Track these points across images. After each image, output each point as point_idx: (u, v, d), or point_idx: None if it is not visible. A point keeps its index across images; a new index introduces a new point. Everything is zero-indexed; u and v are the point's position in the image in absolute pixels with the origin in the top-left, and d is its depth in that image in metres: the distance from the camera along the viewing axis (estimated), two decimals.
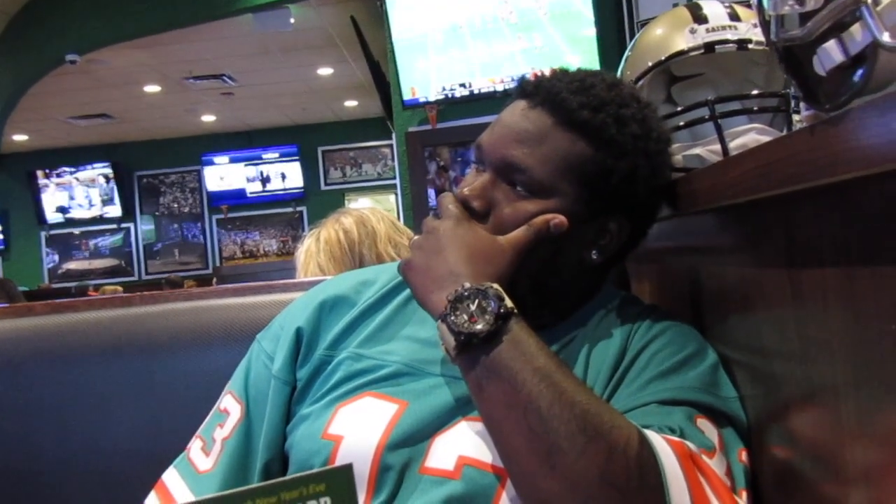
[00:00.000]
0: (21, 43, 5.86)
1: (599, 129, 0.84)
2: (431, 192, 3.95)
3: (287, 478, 0.50)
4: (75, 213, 9.44)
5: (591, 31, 3.67)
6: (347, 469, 0.51)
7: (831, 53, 0.53)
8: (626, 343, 0.86)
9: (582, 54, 3.57)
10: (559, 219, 0.83)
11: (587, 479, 0.67)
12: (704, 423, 0.78)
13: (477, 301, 0.75)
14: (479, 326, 0.74)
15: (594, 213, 0.86)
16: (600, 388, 0.82)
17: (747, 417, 0.83)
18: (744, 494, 0.75)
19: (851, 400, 0.62)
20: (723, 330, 0.91)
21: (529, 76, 0.91)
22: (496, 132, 0.88)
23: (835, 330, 0.63)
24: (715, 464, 0.73)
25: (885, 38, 0.47)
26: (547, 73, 0.91)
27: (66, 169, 9.34)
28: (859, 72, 0.51)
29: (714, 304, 0.95)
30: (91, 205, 9.42)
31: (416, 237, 0.85)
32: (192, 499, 0.87)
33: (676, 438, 0.72)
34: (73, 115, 8.05)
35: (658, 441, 0.69)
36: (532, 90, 0.88)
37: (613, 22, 3.74)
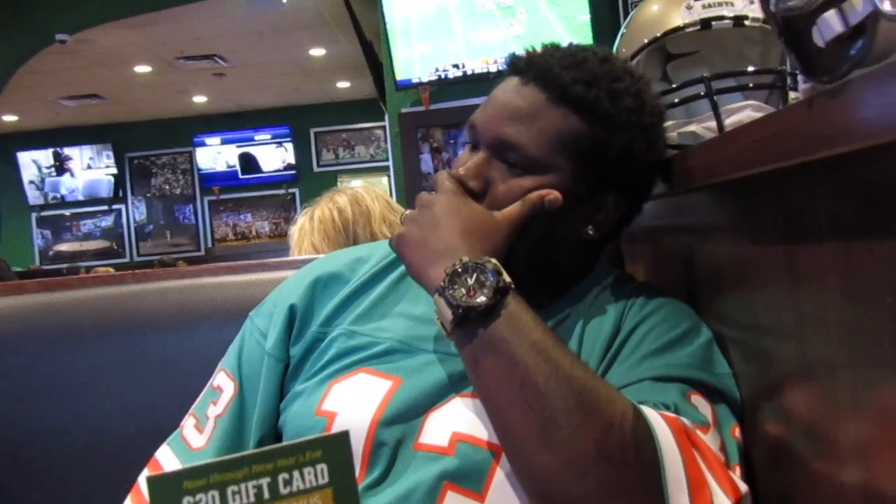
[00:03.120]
0: (10, 22, 5.78)
1: (593, 104, 0.83)
2: (427, 162, 3.92)
3: (283, 444, 0.50)
4: (66, 194, 9.37)
5: (587, 17, 3.64)
6: (344, 436, 0.51)
7: (831, 24, 0.52)
8: (621, 320, 0.86)
9: (581, 41, 3.54)
10: (554, 194, 0.82)
11: (583, 454, 0.67)
12: (698, 400, 0.78)
13: (475, 275, 0.75)
14: (478, 300, 0.73)
15: (590, 188, 0.85)
16: (594, 365, 0.82)
17: (741, 394, 0.83)
18: (737, 469, 0.76)
19: (846, 376, 0.62)
20: (717, 307, 0.91)
21: (521, 53, 0.91)
22: (489, 110, 0.87)
23: (831, 306, 0.63)
24: (709, 439, 0.73)
25: (886, 6, 0.46)
26: (538, 49, 0.91)
27: (57, 150, 9.26)
28: (859, 42, 0.51)
29: (709, 281, 0.95)
30: (82, 185, 9.35)
31: (408, 211, 0.85)
32: None
33: (671, 414, 0.72)
34: (62, 95, 7.98)
35: (653, 416, 0.70)
36: (524, 67, 0.87)
37: (607, 3, 3.71)
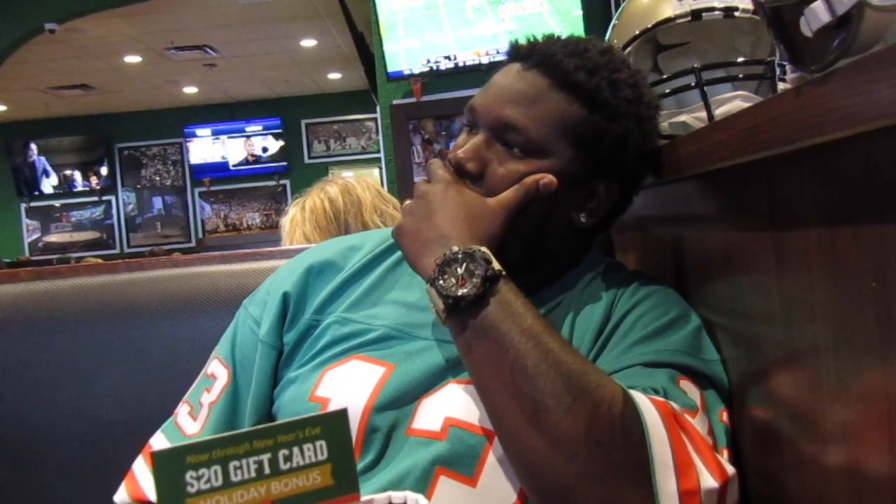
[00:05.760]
0: None
1: (594, 92, 0.85)
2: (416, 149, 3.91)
3: (284, 421, 0.51)
4: (55, 185, 9.31)
5: (580, 12, 3.65)
6: (342, 413, 0.52)
7: (818, 13, 0.53)
8: (611, 307, 0.87)
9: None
10: (548, 178, 0.83)
11: (572, 437, 0.68)
12: (687, 385, 0.79)
13: (465, 264, 0.75)
14: (465, 290, 0.74)
15: (585, 175, 0.87)
16: (585, 351, 0.83)
17: (729, 379, 0.84)
18: (725, 453, 0.77)
19: (832, 360, 0.63)
20: (706, 295, 0.92)
21: (521, 41, 0.92)
22: (490, 93, 0.88)
23: (817, 291, 0.64)
24: (697, 423, 0.74)
25: None
26: (539, 38, 0.92)
27: (46, 140, 9.19)
28: (845, 32, 0.52)
29: (698, 269, 0.97)
30: (71, 176, 9.29)
31: (407, 202, 0.86)
32: None
33: (660, 398, 0.73)
34: (52, 85, 7.92)
35: (642, 400, 0.71)
36: (526, 53, 0.89)
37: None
